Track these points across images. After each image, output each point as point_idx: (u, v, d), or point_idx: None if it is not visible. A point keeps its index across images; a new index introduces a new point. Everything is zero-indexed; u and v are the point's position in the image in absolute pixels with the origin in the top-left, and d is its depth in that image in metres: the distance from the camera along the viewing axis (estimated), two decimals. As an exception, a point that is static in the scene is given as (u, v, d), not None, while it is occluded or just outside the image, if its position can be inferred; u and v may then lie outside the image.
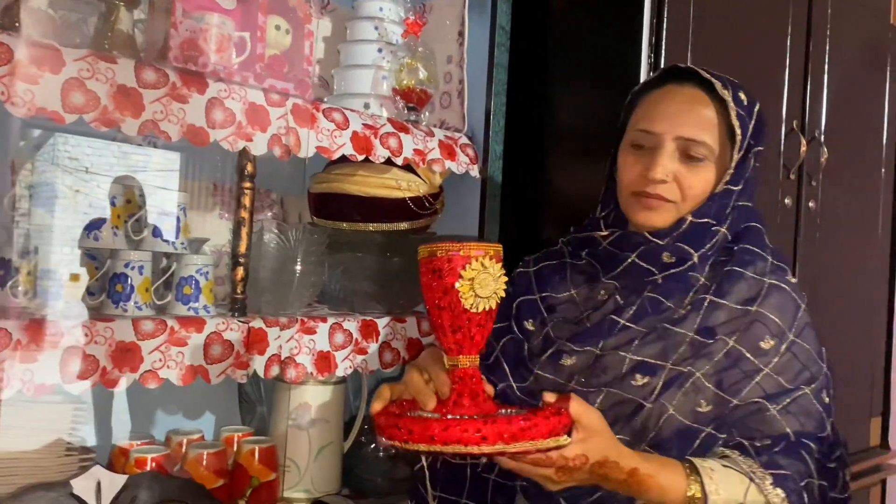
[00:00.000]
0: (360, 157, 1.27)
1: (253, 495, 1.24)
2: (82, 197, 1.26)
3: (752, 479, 0.90)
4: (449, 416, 0.86)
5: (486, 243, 0.87)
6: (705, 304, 1.03)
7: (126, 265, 1.13)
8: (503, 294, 0.87)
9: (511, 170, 1.53)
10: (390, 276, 1.40)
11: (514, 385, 1.07)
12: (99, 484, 0.93)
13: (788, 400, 0.98)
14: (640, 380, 0.99)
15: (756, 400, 0.98)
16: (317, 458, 1.32)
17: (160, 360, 1.09)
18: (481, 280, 0.84)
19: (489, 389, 0.92)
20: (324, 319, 1.29)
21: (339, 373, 1.30)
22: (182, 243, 1.24)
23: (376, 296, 1.39)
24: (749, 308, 1.02)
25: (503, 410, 0.90)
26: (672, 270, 1.06)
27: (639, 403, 0.98)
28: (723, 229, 1.07)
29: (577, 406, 0.85)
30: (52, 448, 1.02)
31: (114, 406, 1.32)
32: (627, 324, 1.03)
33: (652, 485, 0.88)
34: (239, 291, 1.22)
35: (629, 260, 1.07)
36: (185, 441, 1.28)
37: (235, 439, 1.32)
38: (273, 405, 1.35)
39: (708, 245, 1.06)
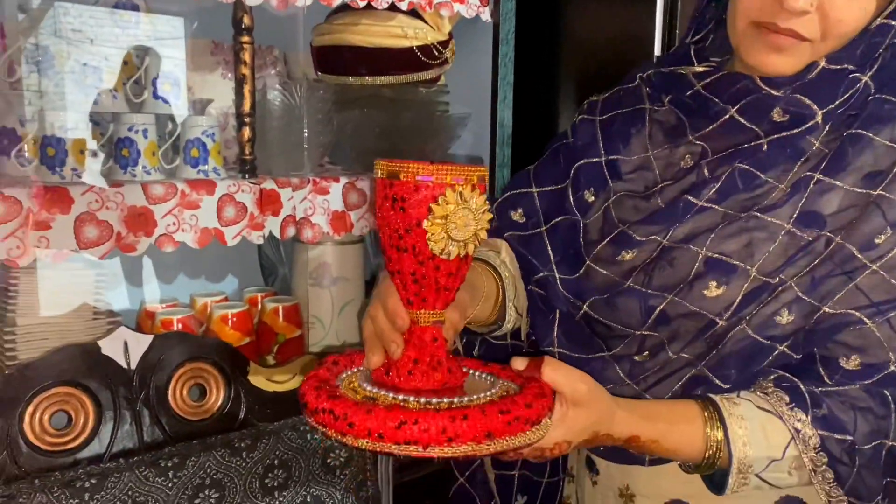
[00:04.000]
0: (362, 3, 1.20)
1: (280, 351, 1.27)
2: (88, 68, 1.22)
3: (782, 420, 0.72)
4: (400, 397, 0.66)
5: (468, 166, 0.64)
6: (812, 184, 0.78)
7: (129, 129, 1.10)
8: (485, 235, 0.66)
9: (525, 12, 1.44)
10: (401, 133, 1.36)
11: (557, 276, 0.88)
12: (126, 344, 0.96)
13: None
14: (713, 289, 0.77)
15: (850, 311, 0.75)
16: (340, 315, 1.35)
17: (174, 223, 1.09)
18: (458, 218, 0.62)
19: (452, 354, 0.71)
20: (336, 179, 1.27)
21: (356, 232, 1.29)
22: (185, 105, 1.20)
23: (388, 154, 1.36)
24: (871, 191, 0.76)
25: (470, 371, 0.72)
26: (783, 133, 0.80)
27: (710, 320, 0.78)
28: (865, 77, 0.79)
29: (552, 374, 0.68)
30: (79, 312, 1.04)
31: (136, 271, 1.34)
32: (707, 204, 0.80)
33: (657, 450, 0.74)
34: (247, 153, 1.20)
35: (727, 115, 0.82)
36: (209, 302, 1.31)
37: (259, 299, 1.34)
38: (293, 266, 1.37)
39: (840, 99, 0.78)
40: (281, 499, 0.98)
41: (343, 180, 1.27)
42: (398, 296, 0.68)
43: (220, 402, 1.02)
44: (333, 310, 1.34)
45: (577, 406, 0.69)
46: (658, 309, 0.79)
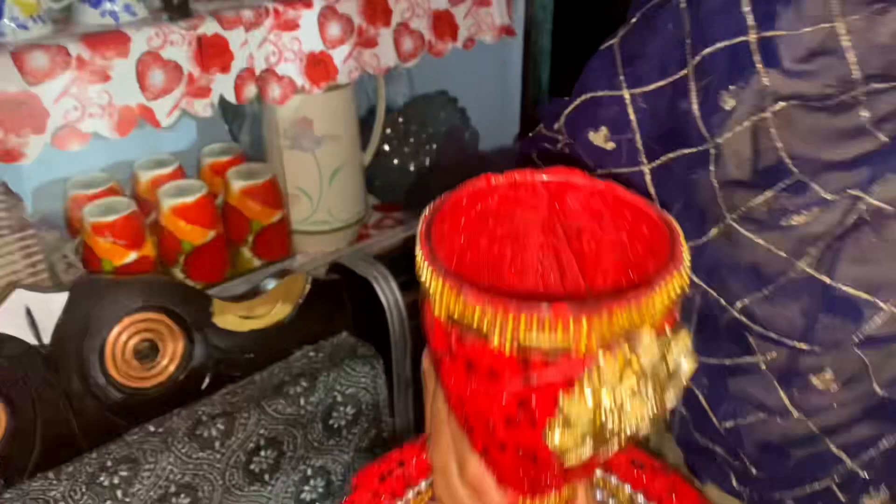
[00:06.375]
0: None
1: (258, 241, 0.98)
2: None
3: None
4: None
5: (653, 295, 0.29)
6: None
7: (-25, -39, 0.71)
8: (673, 401, 0.32)
9: None
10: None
11: None
12: (29, 312, 0.67)
13: None
14: None
15: None
16: (331, 184, 1.04)
17: (76, 108, 0.75)
18: (619, 395, 0.29)
19: None
20: (307, 4, 0.88)
21: (342, 79, 0.93)
22: None
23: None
24: None
25: None
26: None
27: None
28: None
29: None
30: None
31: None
32: None
33: None
34: (171, -21, 0.80)
35: None
36: (158, 177, 0.99)
37: (223, 167, 1.02)
38: (262, 125, 1.02)
39: None
40: (274, 482, 0.76)
41: (318, 5, 0.89)
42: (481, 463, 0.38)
43: (177, 360, 0.76)
44: (321, 178, 1.03)
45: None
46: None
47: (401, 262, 1.03)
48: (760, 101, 0.51)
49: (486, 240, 0.38)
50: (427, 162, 1.14)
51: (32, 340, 0.68)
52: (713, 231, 0.53)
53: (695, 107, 0.53)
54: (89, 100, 0.75)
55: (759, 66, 0.51)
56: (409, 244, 1.03)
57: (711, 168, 0.52)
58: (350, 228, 1.07)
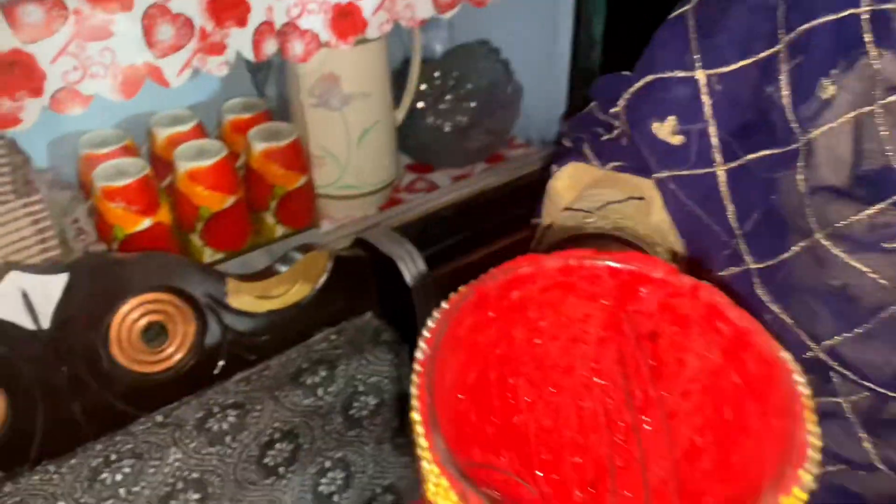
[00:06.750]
0: None
1: (281, 207, 0.92)
2: None
3: None
4: None
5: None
6: None
7: None
8: None
9: None
10: None
11: (750, 265, 0.47)
12: (26, 296, 0.62)
13: None
14: None
15: None
16: (360, 144, 0.96)
17: (76, 68, 0.68)
18: None
19: None
20: (334, -53, 0.79)
21: (372, 32, 0.84)
22: None
23: None
24: None
25: None
26: None
27: None
28: None
29: None
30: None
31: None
32: None
33: None
34: (180, -81, 0.72)
35: None
36: (172, 136, 0.93)
37: (245, 126, 0.95)
38: (285, 81, 0.95)
39: None
40: (290, 475, 0.72)
41: (346, -53, 0.79)
42: None
43: (188, 344, 0.71)
44: (349, 139, 0.95)
45: None
46: None
47: (434, 231, 0.96)
48: (868, 90, 0.41)
49: (522, 331, 0.30)
50: (465, 120, 1.05)
51: (30, 325, 0.63)
52: (796, 247, 0.44)
53: (784, 94, 0.44)
54: (90, 59, 0.68)
55: (869, 46, 0.41)
56: (442, 212, 0.96)
57: (800, 170, 0.43)
58: (379, 193, 1.00)
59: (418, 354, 0.26)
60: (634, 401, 0.31)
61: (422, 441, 0.25)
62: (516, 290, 0.29)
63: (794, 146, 0.43)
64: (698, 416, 0.29)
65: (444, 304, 0.27)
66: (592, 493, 0.34)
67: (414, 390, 0.26)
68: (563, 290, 0.30)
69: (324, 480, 0.74)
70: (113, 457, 0.63)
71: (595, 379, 0.32)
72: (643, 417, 0.32)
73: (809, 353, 0.44)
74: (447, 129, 1.03)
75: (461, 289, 0.28)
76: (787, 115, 0.43)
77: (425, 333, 0.26)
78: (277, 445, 0.70)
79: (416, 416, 0.25)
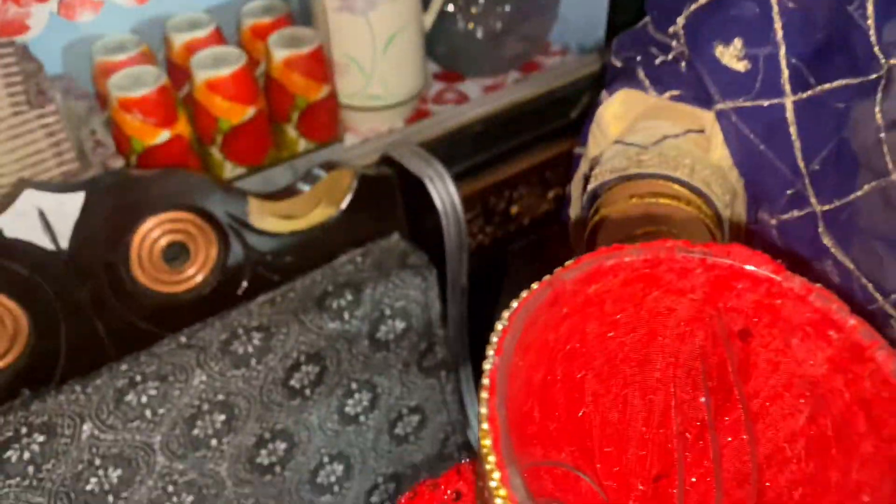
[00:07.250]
0: None
1: (303, 119, 0.88)
2: None
3: None
4: None
5: None
6: None
7: None
8: None
9: None
10: None
11: (818, 208, 0.42)
12: (42, 215, 0.60)
13: None
14: None
15: None
16: (386, 51, 0.91)
17: (82, -31, 0.63)
18: None
19: None
20: None
21: (400, -71, 0.78)
22: None
23: None
24: None
25: None
26: None
27: None
28: None
29: None
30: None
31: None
32: None
33: None
34: None
35: None
36: (189, 42, 0.88)
37: (266, 30, 0.90)
38: (306, -18, 0.88)
39: None
40: (316, 398, 0.71)
41: None
42: None
43: (210, 264, 0.69)
44: (375, 45, 0.90)
45: None
46: None
47: (463, 147, 0.92)
48: None
49: (595, 326, 0.27)
50: (498, 24, 0.98)
51: (49, 245, 0.62)
52: (867, 187, 0.40)
53: (869, 13, 0.38)
54: (97, -41, 0.63)
55: None
56: (473, 126, 0.91)
57: (879, 102, 0.38)
58: (407, 104, 0.95)
59: (486, 365, 0.23)
60: (713, 397, 0.29)
61: (494, 475, 0.21)
62: (595, 283, 0.26)
63: (874, 75, 0.38)
64: (790, 424, 0.26)
65: (513, 304, 0.24)
66: (656, 486, 0.33)
67: (483, 409, 0.23)
68: (646, 284, 0.27)
69: (350, 402, 0.74)
70: (138, 378, 0.63)
71: (670, 373, 0.29)
72: (724, 418, 0.29)
73: (874, 306, 0.41)
74: (479, 34, 0.97)
75: (533, 286, 0.25)
76: (871, 37, 0.38)
77: (493, 339, 0.23)
78: (303, 368, 0.69)
79: (486, 442, 0.22)
